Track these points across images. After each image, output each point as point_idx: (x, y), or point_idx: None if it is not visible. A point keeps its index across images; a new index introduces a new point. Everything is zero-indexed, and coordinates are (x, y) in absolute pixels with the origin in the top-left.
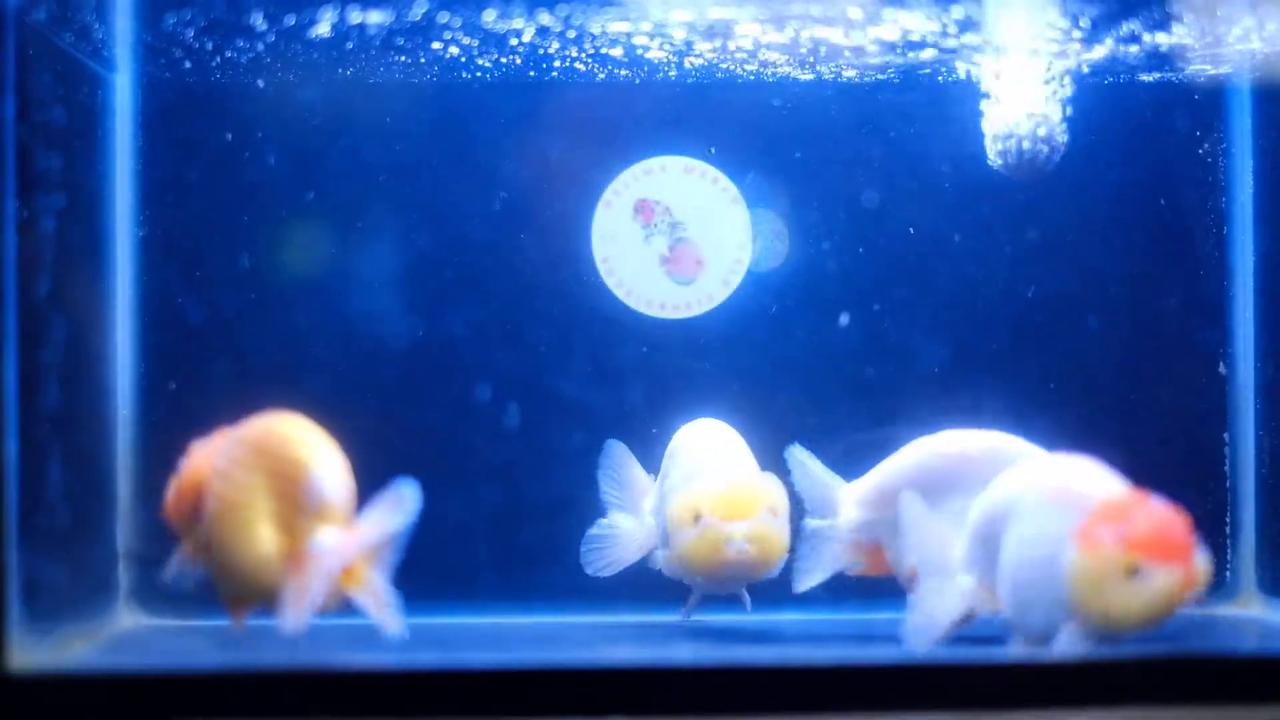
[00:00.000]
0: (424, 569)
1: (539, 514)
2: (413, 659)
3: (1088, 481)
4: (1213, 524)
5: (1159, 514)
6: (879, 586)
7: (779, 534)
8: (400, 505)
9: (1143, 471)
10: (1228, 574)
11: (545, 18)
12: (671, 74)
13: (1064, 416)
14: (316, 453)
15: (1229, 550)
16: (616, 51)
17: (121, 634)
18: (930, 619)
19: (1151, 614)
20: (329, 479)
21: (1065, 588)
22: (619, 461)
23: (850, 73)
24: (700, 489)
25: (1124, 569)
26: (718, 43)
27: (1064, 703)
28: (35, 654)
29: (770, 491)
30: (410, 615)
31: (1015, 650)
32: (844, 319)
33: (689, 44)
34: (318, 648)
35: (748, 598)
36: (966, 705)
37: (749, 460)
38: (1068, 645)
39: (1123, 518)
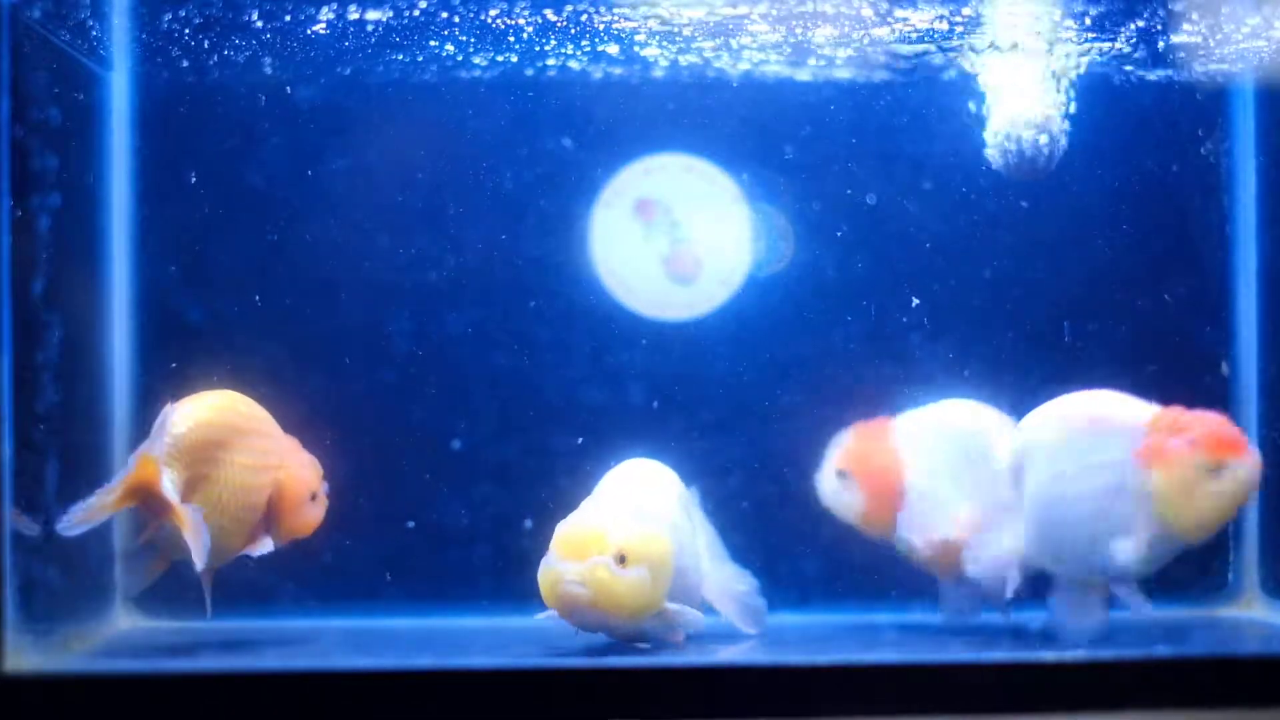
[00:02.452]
0: (423, 570)
1: (537, 515)
2: (410, 661)
3: (1117, 407)
4: None
5: (1209, 417)
6: (879, 586)
7: (617, 581)
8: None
9: None
10: (1230, 575)
11: (549, 14)
12: (672, 72)
13: None
14: (183, 403)
15: (1231, 551)
16: (615, 49)
17: (118, 636)
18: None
19: (1237, 504)
20: (175, 422)
21: (1142, 508)
22: None
23: (852, 71)
24: (557, 528)
25: (1207, 471)
26: (720, 40)
27: (1066, 705)
28: (32, 656)
29: (619, 537)
30: (409, 617)
31: (1061, 597)
32: (915, 301)
33: (690, 41)
34: (315, 650)
35: (679, 635)
36: (967, 708)
37: (651, 504)
38: (1130, 556)
39: (1181, 428)
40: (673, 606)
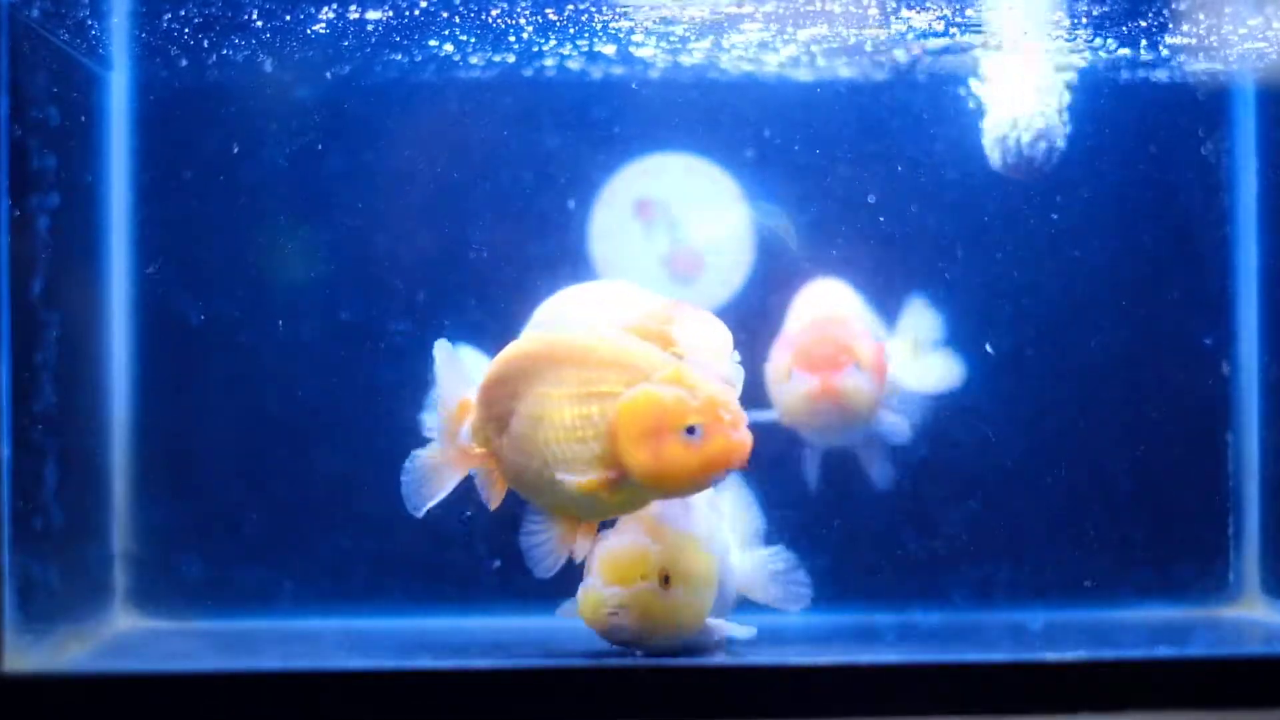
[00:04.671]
0: (422, 571)
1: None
2: (409, 661)
3: None
4: (1215, 525)
5: None
6: (878, 585)
7: (662, 605)
8: None
9: (1145, 471)
10: (1230, 575)
11: (549, 13)
12: (672, 71)
13: (1066, 416)
14: None
15: (1231, 551)
16: (613, 49)
17: (118, 636)
18: None
19: None
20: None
21: None
22: None
23: (851, 71)
24: (597, 548)
25: None
26: (719, 39)
27: (1066, 705)
28: (31, 656)
29: (663, 559)
30: (408, 617)
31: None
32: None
33: (689, 41)
34: (315, 650)
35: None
36: (967, 708)
37: (686, 514)
38: None
39: None
40: (713, 622)
